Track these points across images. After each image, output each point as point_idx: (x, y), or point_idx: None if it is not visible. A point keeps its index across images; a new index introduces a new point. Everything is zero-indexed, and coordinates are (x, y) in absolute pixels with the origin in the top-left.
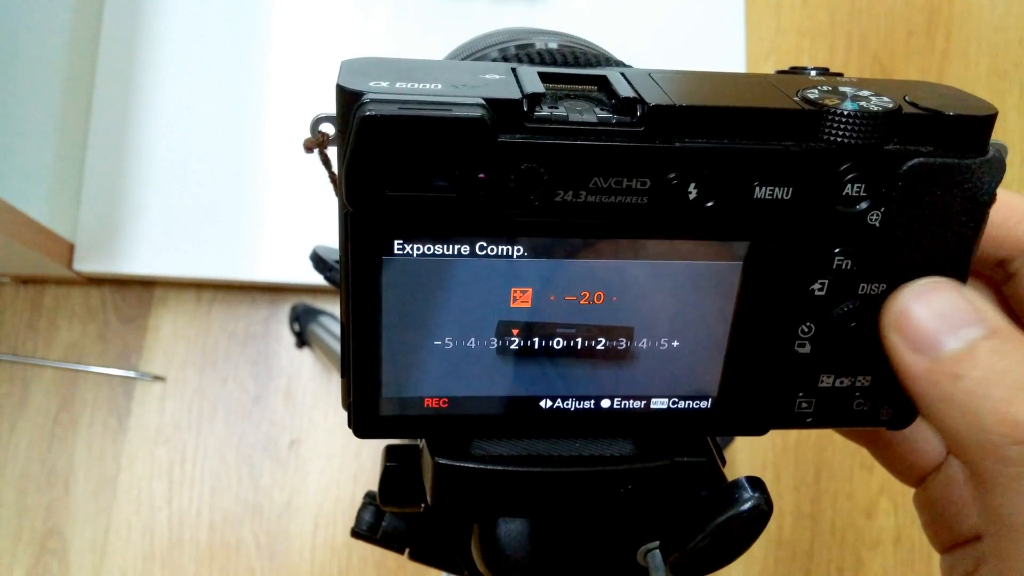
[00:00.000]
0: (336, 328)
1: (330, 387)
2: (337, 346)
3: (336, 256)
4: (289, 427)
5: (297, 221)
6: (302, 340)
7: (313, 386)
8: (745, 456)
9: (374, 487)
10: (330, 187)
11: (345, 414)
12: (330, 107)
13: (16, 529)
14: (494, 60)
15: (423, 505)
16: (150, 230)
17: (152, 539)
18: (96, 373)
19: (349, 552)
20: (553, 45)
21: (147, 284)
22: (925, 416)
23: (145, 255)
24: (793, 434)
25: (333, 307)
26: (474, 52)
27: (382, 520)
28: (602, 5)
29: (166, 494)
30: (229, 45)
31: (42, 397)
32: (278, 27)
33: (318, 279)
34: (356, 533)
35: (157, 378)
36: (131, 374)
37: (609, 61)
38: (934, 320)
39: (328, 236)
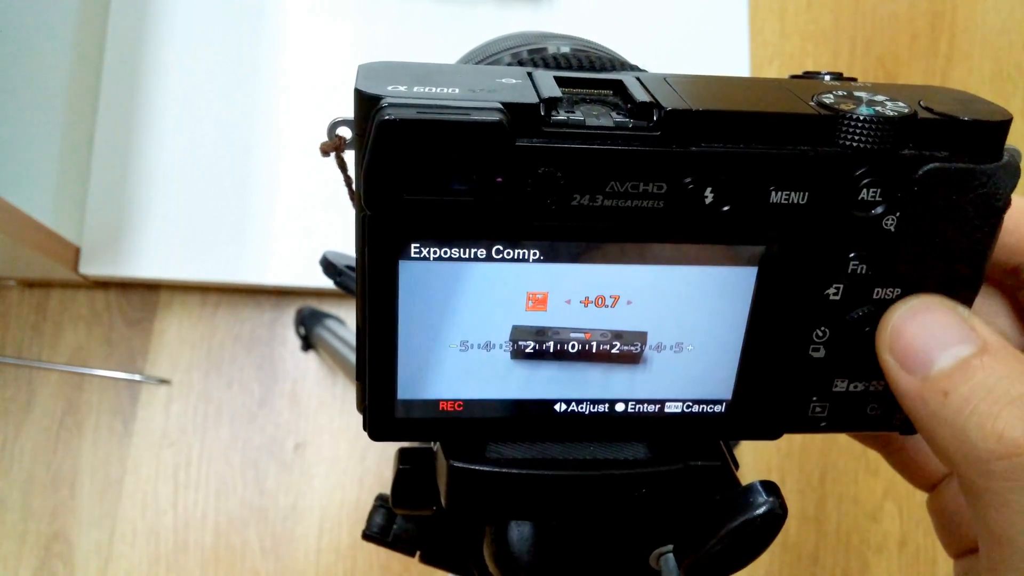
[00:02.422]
0: (341, 331)
1: (335, 391)
2: (343, 349)
3: (346, 261)
4: (294, 430)
5: (302, 225)
6: (308, 343)
7: (318, 390)
8: (750, 460)
9: (380, 491)
10: (336, 191)
11: (350, 418)
12: (336, 111)
13: (21, 532)
14: (508, 64)
15: (434, 508)
16: (155, 233)
17: (157, 542)
18: (101, 376)
19: (354, 555)
20: (565, 49)
21: (152, 287)
22: (920, 433)
23: (150, 258)
24: (798, 438)
25: (339, 310)
26: (486, 57)
27: (393, 523)
28: (605, 9)
29: (171, 497)
30: (235, 49)
31: (47, 400)
32: (283, 32)
33: (323, 282)
34: (367, 536)
35: (162, 381)
36: (136, 377)
37: (624, 65)
38: (925, 339)
39: (333, 240)
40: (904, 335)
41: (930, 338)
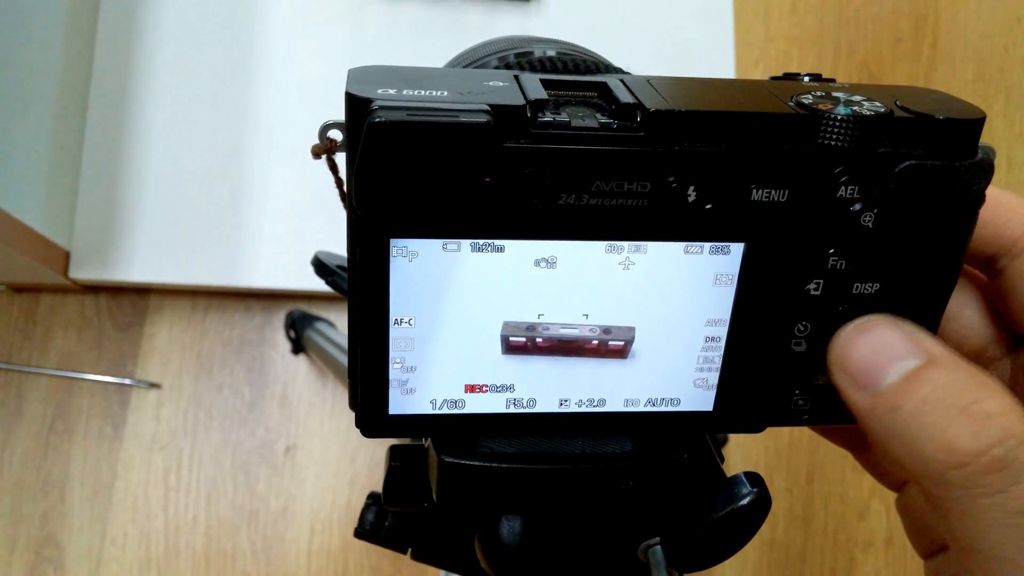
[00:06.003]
0: (332, 334)
1: (325, 393)
2: (333, 351)
3: (337, 261)
4: (285, 433)
5: (291, 228)
6: (298, 346)
7: (308, 392)
8: (738, 458)
9: (369, 491)
10: (324, 194)
11: (341, 420)
12: (324, 115)
13: (12, 538)
14: (495, 68)
15: (424, 504)
16: (145, 237)
17: (148, 546)
18: (91, 381)
19: (345, 557)
20: (551, 53)
21: (142, 291)
22: (878, 448)
23: (140, 262)
24: (785, 437)
25: (329, 313)
26: (474, 60)
27: (385, 520)
28: (592, 14)
29: (162, 501)
30: (223, 53)
31: (37, 405)
32: (272, 37)
33: (313, 285)
34: (359, 533)
35: (153, 385)
36: (126, 381)
37: (608, 68)
38: (872, 356)
39: (322, 242)
40: (852, 354)
41: (877, 354)
